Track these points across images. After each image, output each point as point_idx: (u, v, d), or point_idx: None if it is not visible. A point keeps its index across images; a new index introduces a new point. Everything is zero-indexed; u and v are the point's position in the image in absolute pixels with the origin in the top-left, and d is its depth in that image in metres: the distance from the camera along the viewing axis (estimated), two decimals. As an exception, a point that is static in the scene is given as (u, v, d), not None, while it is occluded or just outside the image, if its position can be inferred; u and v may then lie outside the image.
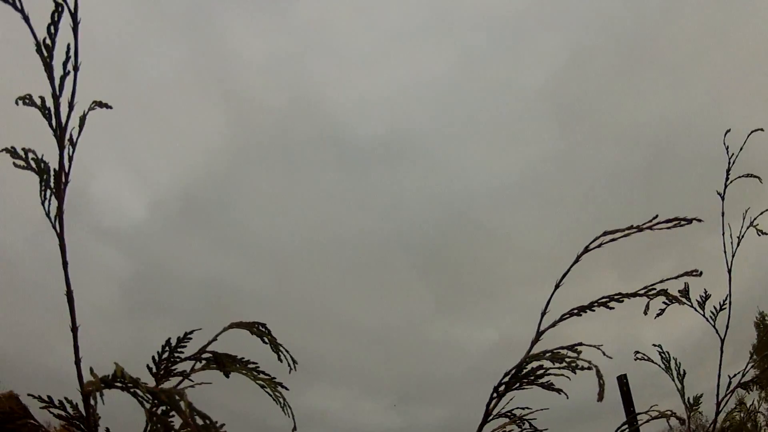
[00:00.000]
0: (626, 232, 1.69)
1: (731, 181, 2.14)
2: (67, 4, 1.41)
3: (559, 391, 1.61)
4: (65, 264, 1.44)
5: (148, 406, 1.26)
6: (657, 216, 1.68)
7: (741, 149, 2.13)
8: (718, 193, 2.15)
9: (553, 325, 1.69)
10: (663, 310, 1.80)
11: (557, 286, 1.71)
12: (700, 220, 1.68)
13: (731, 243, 2.13)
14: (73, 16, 1.42)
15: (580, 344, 1.57)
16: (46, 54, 1.41)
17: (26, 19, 1.39)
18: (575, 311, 1.69)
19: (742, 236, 2.13)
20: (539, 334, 1.68)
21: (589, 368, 1.51)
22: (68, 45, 1.43)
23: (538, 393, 1.73)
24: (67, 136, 1.48)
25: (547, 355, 1.59)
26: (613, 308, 1.69)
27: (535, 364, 1.62)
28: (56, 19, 1.41)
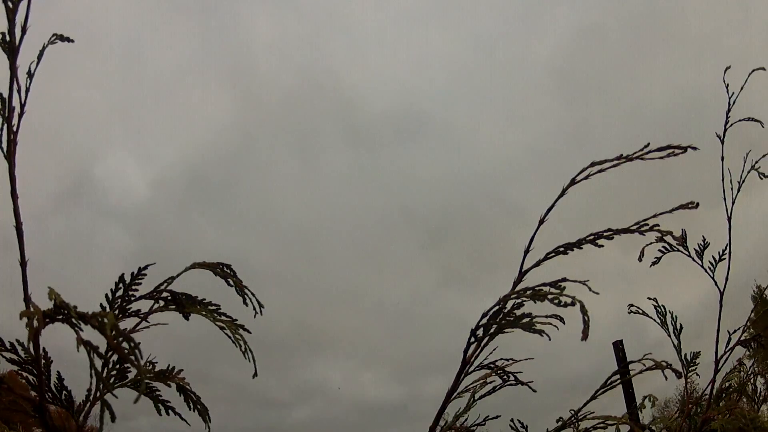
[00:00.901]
0: (614, 162, 1.58)
1: (731, 125, 2.02)
2: None
3: (541, 332, 1.48)
4: (14, 195, 1.35)
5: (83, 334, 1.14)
6: (648, 144, 1.56)
7: (741, 89, 2.00)
8: (718, 136, 2.02)
9: (538, 264, 1.57)
10: (659, 258, 1.68)
11: (541, 222, 1.60)
12: (695, 148, 1.55)
13: (731, 189, 2.00)
14: None
15: (565, 279, 1.45)
16: None
17: None
18: (561, 249, 1.57)
19: (743, 180, 1.99)
20: (522, 273, 1.57)
21: (572, 304, 1.38)
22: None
23: (522, 347, 1.61)
24: (24, 65, 1.40)
25: (528, 292, 1.47)
26: (602, 246, 1.57)
27: (516, 302, 1.49)
28: None
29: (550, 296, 1.44)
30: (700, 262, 1.91)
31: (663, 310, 1.97)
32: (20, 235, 1.34)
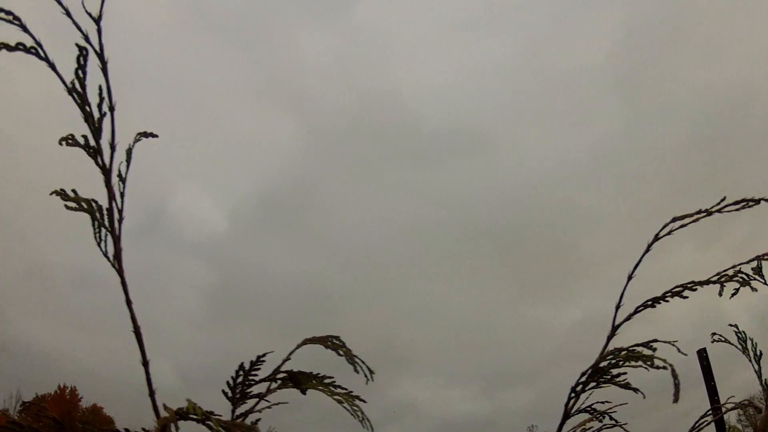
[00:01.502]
0: (695, 217, 1.66)
1: None
2: (91, 45, 1.41)
3: (636, 390, 1.59)
4: (129, 302, 1.47)
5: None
6: (725, 198, 1.64)
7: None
8: None
9: (628, 318, 1.67)
10: (737, 290, 1.75)
11: (630, 278, 1.69)
12: (768, 200, 1.63)
13: None
14: (100, 56, 1.43)
15: (655, 341, 1.55)
16: (77, 98, 1.42)
17: (52, 66, 1.40)
18: (649, 303, 1.66)
19: None
20: (614, 328, 1.67)
21: (664, 368, 1.48)
22: (99, 87, 1.44)
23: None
24: (116, 173, 1.50)
25: (623, 353, 1.57)
26: (687, 297, 1.65)
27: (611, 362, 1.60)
28: (82, 63, 1.42)
29: (643, 358, 1.55)
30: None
31: (744, 335, 2.05)
32: (139, 337, 1.46)
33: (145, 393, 1.50)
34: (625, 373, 1.59)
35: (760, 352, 2.03)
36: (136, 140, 1.58)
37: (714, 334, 2.08)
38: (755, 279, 1.83)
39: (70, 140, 1.44)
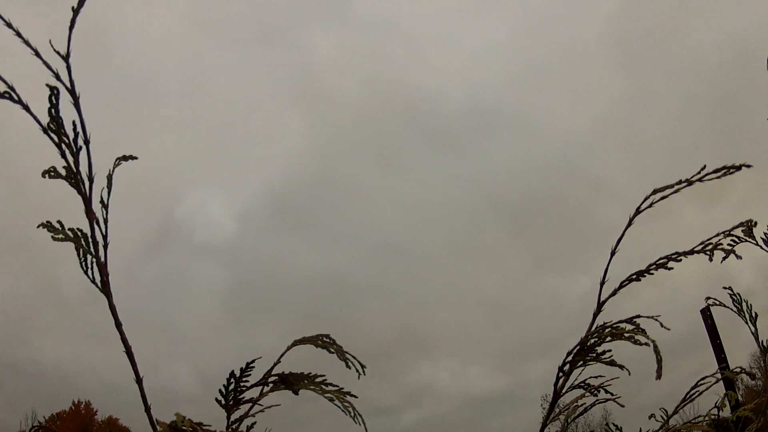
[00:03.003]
0: (676, 187, 1.64)
1: None
2: (62, 82, 1.43)
3: (621, 367, 1.59)
4: (119, 324, 1.51)
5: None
6: (705, 167, 1.62)
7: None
8: None
9: (614, 293, 1.66)
10: (728, 253, 1.73)
11: (613, 253, 1.68)
12: (748, 166, 1.61)
13: None
14: (72, 92, 1.45)
15: (638, 316, 1.55)
16: (53, 136, 1.45)
17: (26, 108, 1.43)
18: (634, 276, 1.66)
19: None
20: (600, 305, 1.67)
21: (647, 344, 1.48)
22: (73, 122, 1.46)
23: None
24: (98, 199, 1.53)
25: (607, 330, 1.57)
26: (672, 268, 1.65)
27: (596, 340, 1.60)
28: (54, 102, 1.44)
29: (626, 335, 1.55)
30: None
31: (738, 298, 2.04)
32: (131, 357, 1.51)
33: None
34: (610, 351, 1.59)
35: (756, 313, 2.02)
36: (116, 165, 1.61)
37: (708, 298, 2.07)
38: (746, 240, 1.81)
39: (52, 173, 1.48)
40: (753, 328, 2.03)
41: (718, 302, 2.07)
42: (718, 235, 1.65)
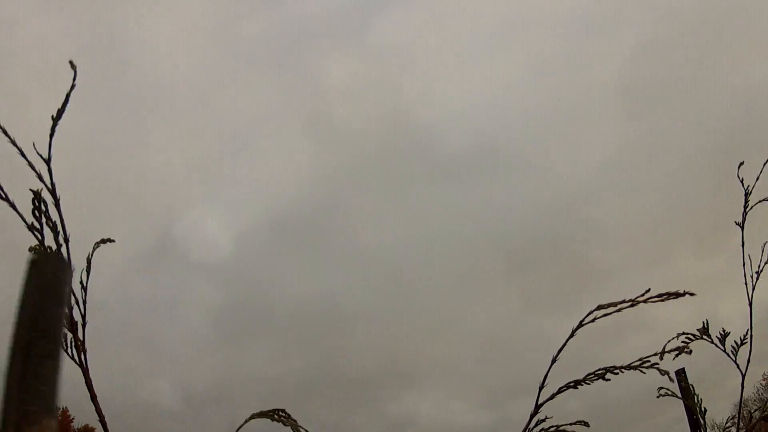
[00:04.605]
0: (619, 306, 1.72)
1: (751, 208, 2.03)
2: (44, 183, 1.54)
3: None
4: (93, 397, 1.68)
5: None
6: (649, 290, 1.68)
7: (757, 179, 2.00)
8: (737, 223, 2.04)
9: (552, 397, 1.75)
10: (681, 350, 1.80)
11: (554, 361, 1.77)
12: (692, 294, 1.67)
13: (752, 276, 2.04)
14: (53, 193, 1.56)
15: (580, 422, 1.65)
16: (36, 234, 1.58)
17: (12, 206, 1.55)
18: (572, 384, 1.75)
19: (761, 271, 2.03)
20: (537, 407, 1.76)
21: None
22: (54, 222, 1.58)
23: None
24: (78, 280, 1.67)
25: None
26: (609, 380, 1.73)
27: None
28: (37, 204, 1.56)
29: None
30: (722, 347, 2.00)
31: (686, 382, 2.10)
32: (104, 425, 1.68)
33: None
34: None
35: (700, 399, 2.08)
36: (95, 248, 1.74)
37: (660, 388, 2.12)
38: (702, 338, 1.88)
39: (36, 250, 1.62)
40: (700, 411, 2.09)
41: (669, 392, 2.13)
42: (656, 353, 1.72)
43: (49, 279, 1.55)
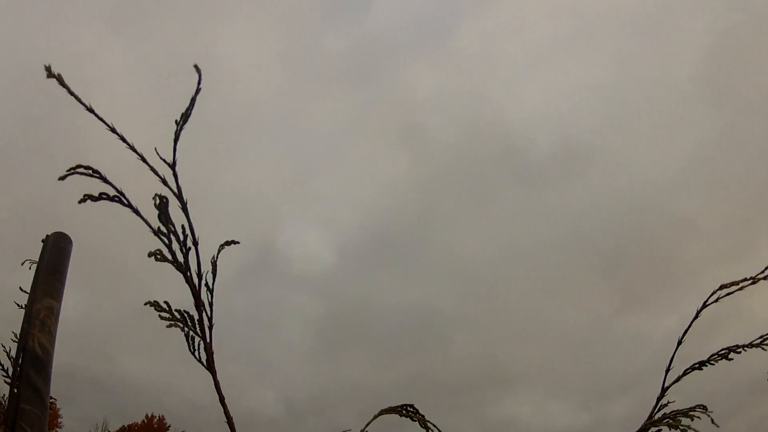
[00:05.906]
0: (741, 285, 1.72)
1: None
2: (170, 188, 1.55)
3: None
4: (222, 398, 1.68)
5: None
6: (768, 267, 1.69)
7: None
8: None
9: (677, 380, 1.76)
10: None
11: (679, 343, 1.78)
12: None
13: None
14: (179, 197, 1.56)
15: (699, 407, 1.65)
16: (163, 239, 1.59)
17: (136, 211, 1.56)
18: (696, 365, 1.76)
19: None
20: (664, 390, 1.77)
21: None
22: (182, 226, 1.59)
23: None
24: (203, 284, 1.68)
25: (665, 421, 1.68)
26: (732, 359, 1.74)
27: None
28: (163, 210, 1.56)
29: (681, 427, 1.66)
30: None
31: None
32: (232, 428, 1.69)
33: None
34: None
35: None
36: (220, 250, 1.73)
37: None
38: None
39: (158, 255, 1.60)
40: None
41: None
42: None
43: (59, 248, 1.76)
